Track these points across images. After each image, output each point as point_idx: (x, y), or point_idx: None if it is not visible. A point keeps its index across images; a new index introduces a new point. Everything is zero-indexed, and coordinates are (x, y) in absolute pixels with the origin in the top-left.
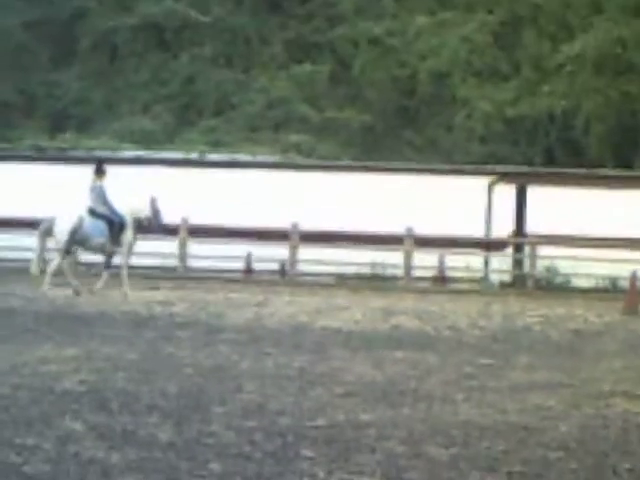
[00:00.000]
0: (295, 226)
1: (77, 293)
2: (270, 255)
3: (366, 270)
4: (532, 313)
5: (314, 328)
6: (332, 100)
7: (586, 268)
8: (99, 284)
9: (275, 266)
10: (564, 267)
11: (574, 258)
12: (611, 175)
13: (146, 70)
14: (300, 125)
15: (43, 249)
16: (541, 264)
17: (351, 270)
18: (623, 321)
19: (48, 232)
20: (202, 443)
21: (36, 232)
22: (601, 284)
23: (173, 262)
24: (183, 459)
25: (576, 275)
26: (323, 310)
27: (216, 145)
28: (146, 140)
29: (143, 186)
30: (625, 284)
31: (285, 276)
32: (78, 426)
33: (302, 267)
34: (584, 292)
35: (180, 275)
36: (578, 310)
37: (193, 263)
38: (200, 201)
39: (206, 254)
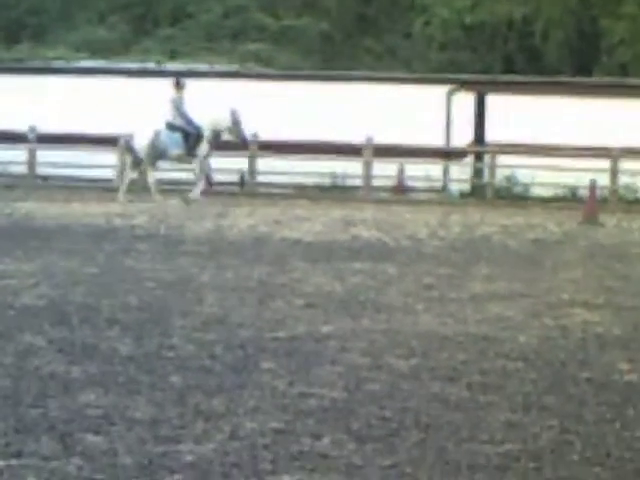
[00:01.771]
0: (254, 136)
1: (156, 201)
2: (229, 166)
3: (326, 180)
4: (491, 223)
5: (274, 239)
6: (290, 8)
7: (546, 177)
8: (194, 193)
9: (234, 177)
10: (524, 176)
11: (534, 167)
12: (570, 82)
13: None
14: (258, 34)
15: (124, 164)
16: (501, 173)
17: (310, 181)
18: (582, 230)
19: (128, 148)
20: (162, 356)
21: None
22: (560, 193)
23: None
24: (143, 372)
25: (536, 184)
26: (283, 221)
27: (173, 55)
28: (102, 50)
29: (100, 96)
30: (584, 193)
31: (244, 187)
32: (38, 341)
33: (261, 178)
34: (544, 201)
35: (140, 187)
36: (537, 219)
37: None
38: (158, 111)
39: (164, 166)
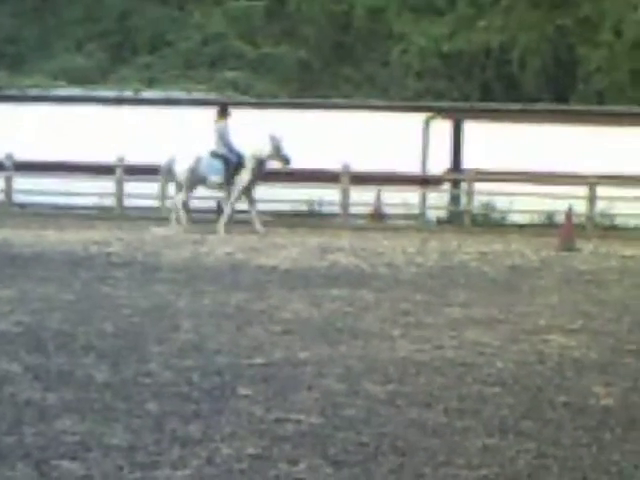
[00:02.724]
0: None
1: (186, 231)
2: (206, 193)
3: (303, 207)
4: (469, 249)
5: (251, 266)
6: (268, 36)
7: (523, 204)
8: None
9: (212, 204)
10: (501, 203)
11: (511, 194)
12: (547, 110)
13: (79, 7)
14: (236, 61)
15: (165, 189)
16: (478, 200)
17: (288, 208)
18: (559, 256)
19: (169, 173)
20: (139, 383)
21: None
22: (538, 220)
23: (109, 202)
24: (120, 399)
25: (513, 211)
26: (260, 248)
27: (151, 83)
28: (80, 78)
29: (77, 124)
30: (561, 219)
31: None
32: (14, 367)
33: (239, 205)
34: (521, 228)
35: (116, 215)
36: (515, 246)
37: (129, 202)
38: (135, 139)
39: (142, 193)
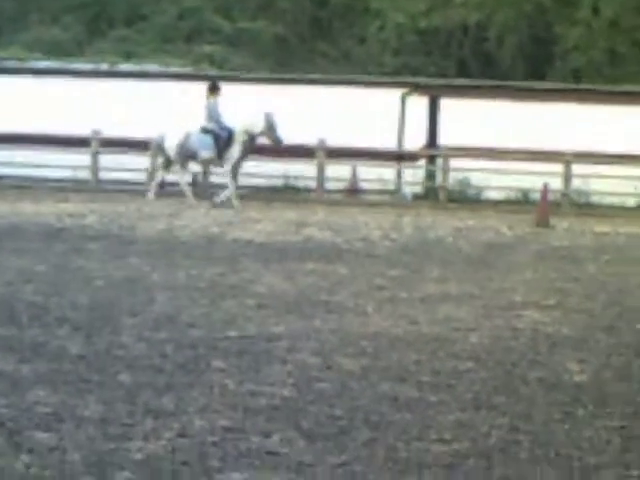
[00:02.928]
0: None
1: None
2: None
3: (278, 182)
4: (444, 225)
5: (226, 240)
6: (244, 10)
7: (498, 180)
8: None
9: (188, 178)
10: (476, 179)
11: (486, 170)
12: (524, 87)
13: None
14: (212, 36)
15: (155, 165)
16: (453, 176)
17: (263, 182)
18: (534, 233)
19: (159, 148)
20: (112, 355)
21: None
22: (513, 196)
23: (84, 174)
24: (93, 371)
25: (488, 187)
26: (235, 222)
27: (127, 56)
28: (56, 50)
29: (53, 97)
30: (537, 196)
31: (197, 188)
32: None
33: (215, 179)
34: (496, 204)
35: (91, 187)
36: (490, 222)
37: (105, 175)
38: (111, 112)
39: (118, 166)
